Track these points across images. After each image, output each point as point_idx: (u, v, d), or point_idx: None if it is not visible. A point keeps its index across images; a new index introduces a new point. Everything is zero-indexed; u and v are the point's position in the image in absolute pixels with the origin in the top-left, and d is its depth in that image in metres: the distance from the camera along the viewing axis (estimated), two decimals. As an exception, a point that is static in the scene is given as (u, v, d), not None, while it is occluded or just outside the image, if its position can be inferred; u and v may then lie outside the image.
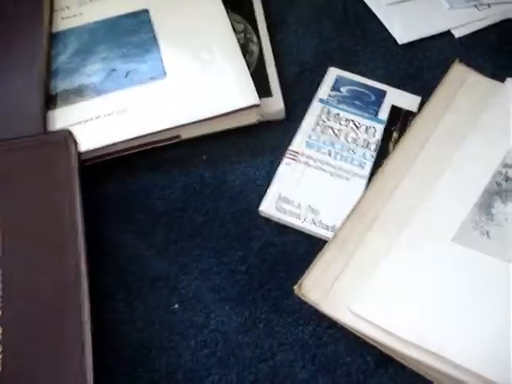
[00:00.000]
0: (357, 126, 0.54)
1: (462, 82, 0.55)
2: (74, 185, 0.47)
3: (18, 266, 0.44)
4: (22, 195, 0.47)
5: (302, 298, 0.46)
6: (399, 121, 0.54)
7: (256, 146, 0.55)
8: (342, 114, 0.55)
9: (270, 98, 0.56)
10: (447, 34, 0.61)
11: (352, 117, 0.55)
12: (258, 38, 0.59)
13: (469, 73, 0.55)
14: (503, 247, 0.45)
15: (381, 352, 0.45)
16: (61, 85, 0.55)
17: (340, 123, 0.54)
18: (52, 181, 0.47)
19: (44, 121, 0.52)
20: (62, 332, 0.42)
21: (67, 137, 0.48)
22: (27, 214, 0.46)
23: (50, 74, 0.56)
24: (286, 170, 0.52)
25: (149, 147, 0.54)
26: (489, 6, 0.61)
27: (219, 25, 0.57)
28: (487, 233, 0.46)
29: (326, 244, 0.48)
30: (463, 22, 0.61)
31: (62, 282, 0.44)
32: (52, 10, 0.60)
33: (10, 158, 0.48)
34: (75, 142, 0.48)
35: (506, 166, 0.48)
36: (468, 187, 0.48)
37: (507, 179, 0.48)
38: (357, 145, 0.53)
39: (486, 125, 0.51)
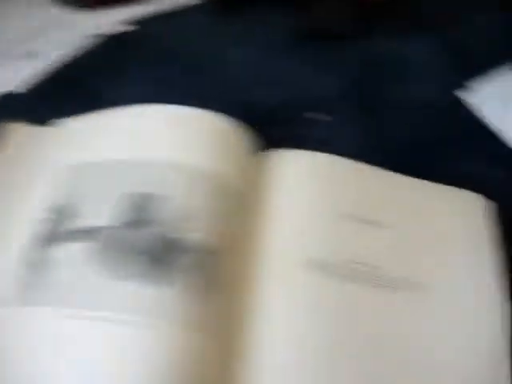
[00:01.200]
0: None
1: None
2: None
3: None
4: None
5: None
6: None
7: None
8: None
9: None
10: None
11: None
12: None
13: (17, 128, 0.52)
14: (57, 294, 0.41)
15: None
16: None
17: None
18: None
19: None
20: None
21: None
22: None
23: None
24: None
25: None
26: (38, 55, 0.60)
27: None
28: (38, 284, 0.41)
29: None
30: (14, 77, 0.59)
31: None
32: None
33: None
34: None
35: (48, 210, 0.45)
36: (7, 243, 0.44)
37: (49, 224, 0.44)
38: None
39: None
